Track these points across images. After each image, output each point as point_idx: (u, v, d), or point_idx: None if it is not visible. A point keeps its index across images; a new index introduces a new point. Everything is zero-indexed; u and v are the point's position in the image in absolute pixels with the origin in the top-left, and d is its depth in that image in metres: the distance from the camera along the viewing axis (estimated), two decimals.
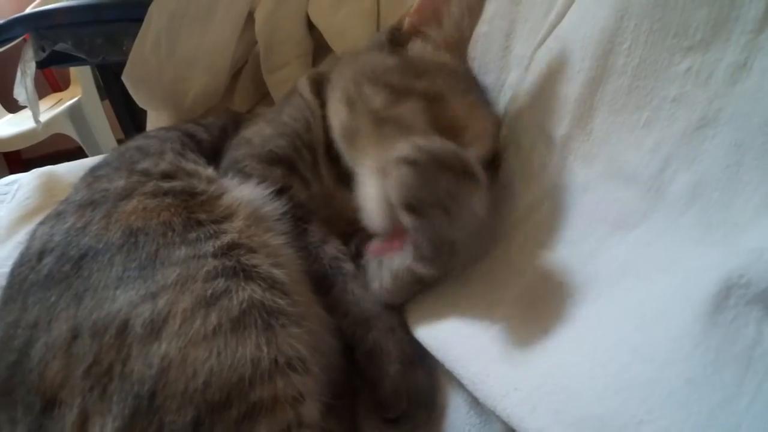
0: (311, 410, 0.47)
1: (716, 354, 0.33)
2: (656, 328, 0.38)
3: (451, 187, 0.46)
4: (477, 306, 0.52)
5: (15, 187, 1.05)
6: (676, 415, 0.33)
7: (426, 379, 0.55)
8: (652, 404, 0.35)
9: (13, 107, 2.77)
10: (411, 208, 0.46)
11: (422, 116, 0.58)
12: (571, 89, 0.54)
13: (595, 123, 0.52)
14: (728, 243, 0.39)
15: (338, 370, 0.56)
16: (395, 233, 0.52)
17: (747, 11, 0.41)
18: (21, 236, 0.81)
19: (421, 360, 0.55)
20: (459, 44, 0.68)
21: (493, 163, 0.62)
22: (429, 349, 0.53)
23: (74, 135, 2.44)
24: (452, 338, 0.51)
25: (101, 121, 2.51)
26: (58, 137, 2.43)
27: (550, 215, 0.55)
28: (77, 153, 1.23)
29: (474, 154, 0.55)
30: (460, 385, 0.51)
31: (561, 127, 0.56)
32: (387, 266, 0.57)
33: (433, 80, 0.62)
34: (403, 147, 0.47)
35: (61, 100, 2.58)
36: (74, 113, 2.44)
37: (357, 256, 0.62)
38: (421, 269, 0.53)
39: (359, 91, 0.62)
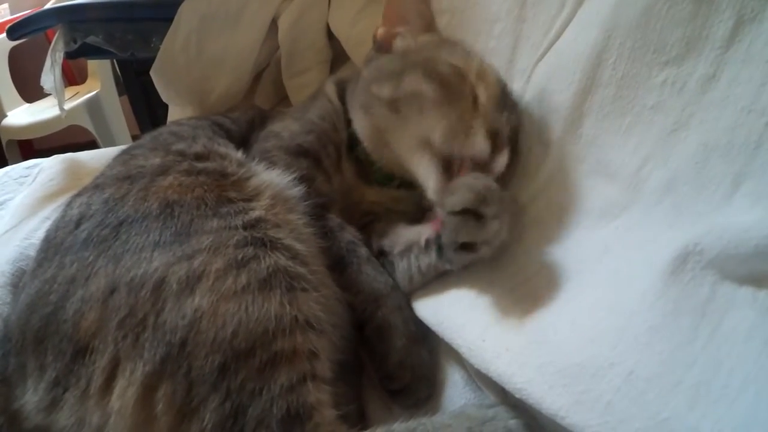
0: (324, 367, 0.51)
1: (675, 305, 0.40)
2: (626, 288, 0.44)
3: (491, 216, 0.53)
4: (476, 284, 0.58)
5: (36, 170, 1.10)
6: (641, 355, 0.39)
7: (428, 356, 0.60)
8: (621, 348, 0.41)
9: (30, 97, 2.83)
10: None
11: (425, 80, 0.65)
12: (564, 98, 0.60)
13: (584, 128, 0.59)
14: (694, 227, 0.45)
15: (349, 341, 0.60)
16: None
17: (716, 30, 0.47)
18: (47, 212, 0.87)
19: (425, 338, 0.60)
20: (429, 27, 0.80)
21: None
22: (430, 324, 0.59)
23: (90, 128, 2.50)
24: (452, 311, 0.57)
25: (118, 115, 2.57)
26: (70, 130, 2.47)
27: (544, 208, 0.62)
28: (88, 147, 1.27)
29: (485, 94, 0.65)
30: (458, 363, 0.57)
31: (555, 131, 0.62)
32: (416, 263, 0.63)
33: (420, 52, 0.71)
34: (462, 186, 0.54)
35: (78, 93, 2.64)
36: (92, 106, 2.50)
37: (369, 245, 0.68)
38: (446, 266, 0.60)
39: (370, 94, 0.71)
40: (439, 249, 0.59)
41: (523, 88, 0.70)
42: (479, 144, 0.60)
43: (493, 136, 0.61)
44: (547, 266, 0.55)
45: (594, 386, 0.41)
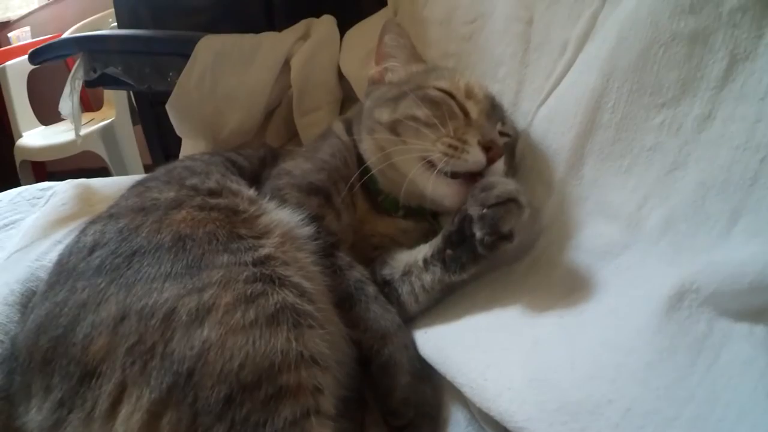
0: (328, 403, 0.51)
1: (671, 342, 0.40)
2: (624, 325, 0.44)
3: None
4: (478, 322, 0.59)
5: (49, 193, 1.11)
6: (639, 391, 0.40)
7: (432, 394, 0.60)
8: (618, 385, 0.41)
9: (46, 119, 2.90)
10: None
11: (417, 105, 0.70)
12: (565, 140, 0.62)
13: (585, 169, 0.60)
14: (692, 264, 0.46)
15: (353, 378, 0.61)
16: None
17: (710, 71, 0.48)
18: (59, 236, 0.88)
19: (430, 376, 0.61)
20: (416, 57, 0.87)
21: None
22: (433, 363, 0.59)
23: (104, 154, 2.53)
24: (454, 350, 0.57)
25: (131, 144, 2.60)
26: (83, 155, 2.51)
27: (547, 248, 0.62)
28: (99, 173, 1.28)
29: (475, 109, 0.70)
30: (460, 402, 0.57)
31: (557, 172, 0.63)
32: (419, 283, 0.66)
33: (411, 80, 0.77)
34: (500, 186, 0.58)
35: (93, 119, 2.70)
36: (106, 134, 2.54)
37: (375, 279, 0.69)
38: (453, 278, 0.63)
39: (372, 119, 0.75)
40: (444, 261, 0.62)
41: (526, 130, 0.72)
42: (474, 156, 0.63)
43: (488, 147, 0.64)
44: (548, 304, 0.55)
45: (592, 423, 0.41)
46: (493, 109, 0.72)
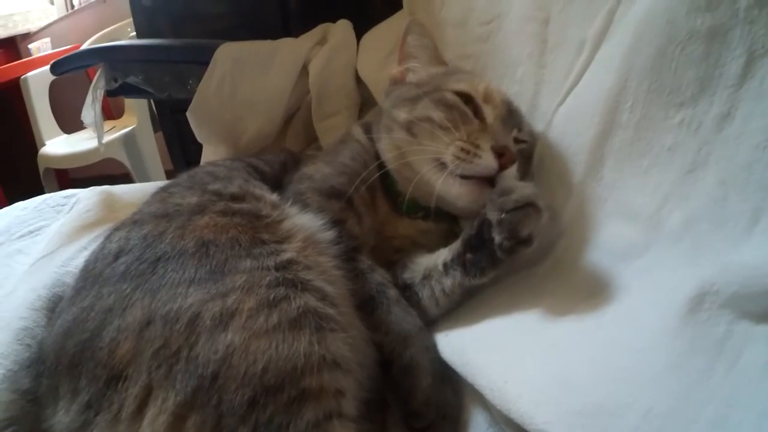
0: (350, 405, 0.52)
1: (691, 344, 0.40)
2: (644, 327, 0.44)
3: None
4: (498, 325, 0.59)
5: (73, 200, 1.13)
6: (657, 394, 0.39)
7: (453, 396, 0.60)
8: (637, 387, 0.41)
9: (68, 128, 2.96)
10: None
11: (434, 107, 0.70)
12: (584, 141, 0.62)
13: (604, 170, 0.59)
14: (712, 266, 0.45)
15: (375, 380, 0.61)
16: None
17: (728, 69, 0.48)
18: (84, 242, 0.90)
19: (450, 378, 0.61)
20: (438, 59, 0.86)
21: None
22: (454, 365, 0.60)
23: (126, 161, 2.58)
24: (475, 353, 0.58)
25: (152, 151, 2.64)
26: (105, 163, 2.57)
27: (567, 249, 0.62)
28: (121, 180, 1.30)
29: (492, 114, 0.70)
30: (481, 404, 0.57)
31: (576, 174, 0.63)
32: (439, 287, 0.66)
33: (430, 82, 0.77)
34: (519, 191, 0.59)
35: (114, 127, 2.74)
36: (128, 141, 2.58)
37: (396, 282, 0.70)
38: (473, 281, 0.63)
39: (391, 117, 0.76)
40: (464, 266, 0.63)
41: (545, 131, 0.72)
42: (486, 161, 0.64)
43: (501, 153, 0.64)
44: (569, 307, 0.55)
45: (612, 425, 0.41)
46: (510, 115, 0.71)
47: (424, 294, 0.67)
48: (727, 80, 0.48)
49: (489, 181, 0.64)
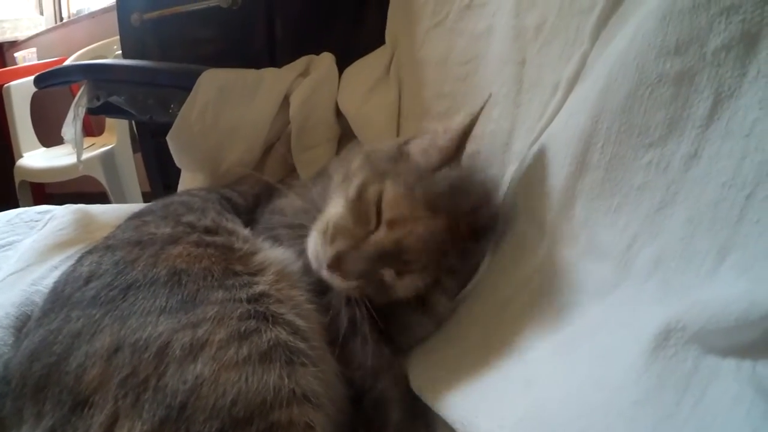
0: None
1: (658, 380, 0.40)
2: (613, 363, 0.45)
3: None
4: (470, 363, 0.59)
5: (48, 216, 1.14)
6: (626, 430, 0.39)
7: (425, 430, 0.60)
8: (606, 424, 0.41)
9: (47, 142, 2.93)
10: None
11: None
12: (556, 181, 0.63)
13: (576, 209, 0.60)
14: (680, 303, 0.46)
15: (345, 415, 0.61)
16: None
17: (696, 110, 0.49)
18: (55, 261, 0.89)
19: (423, 413, 0.60)
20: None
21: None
22: (425, 399, 0.59)
23: (103, 180, 2.56)
24: (446, 388, 0.57)
25: (130, 171, 2.63)
26: (82, 179, 2.54)
27: (540, 289, 0.63)
28: (98, 198, 1.29)
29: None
30: None
31: (549, 213, 0.64)
32: None
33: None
34: None
35: (93, 144, 2.72)
36: (106, 160, 2.57)
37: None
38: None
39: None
40: None
41: (519, 170, 0.73)
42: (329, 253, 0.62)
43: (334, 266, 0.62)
44: (541, 343, 0.56)
45: None
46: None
47: None
48: (694, 121, 0.49)
49: None
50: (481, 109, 0.68)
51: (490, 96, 0.70)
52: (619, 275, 0.53)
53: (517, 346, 0.57)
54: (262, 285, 0.59)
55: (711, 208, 0.46)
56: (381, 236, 0.61)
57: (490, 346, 0.59)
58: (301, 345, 0.55)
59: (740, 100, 0.46)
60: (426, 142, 0.69)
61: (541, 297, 0.61)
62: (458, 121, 0.69)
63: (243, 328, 0.53)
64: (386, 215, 0.61)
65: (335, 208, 0.65)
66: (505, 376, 0.54)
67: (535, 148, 0.70)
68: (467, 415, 0.52)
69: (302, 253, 0.67)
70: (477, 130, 0.81)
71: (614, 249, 0.54)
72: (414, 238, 0.60)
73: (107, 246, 0.65)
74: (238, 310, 0.55)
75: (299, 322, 0.58)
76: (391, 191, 0.62)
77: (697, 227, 0.47)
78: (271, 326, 0.55)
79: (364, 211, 0.63)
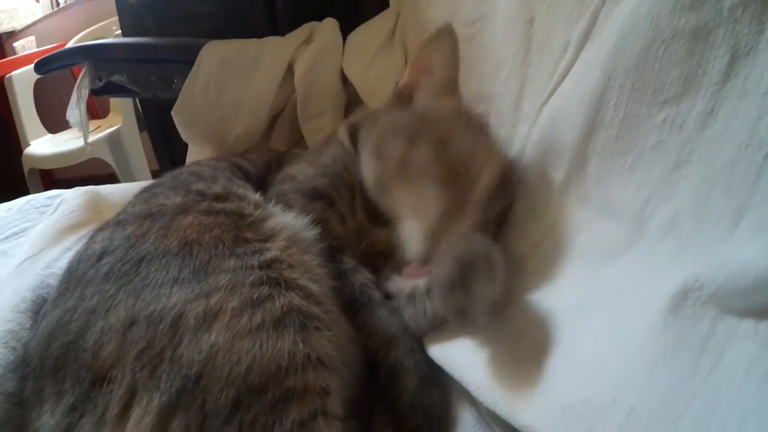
0: (335, 404, 0.52)
1: (675, 342, 0.40)
2: (628, 325, 0.45)
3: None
4: (482, 329, 0.58)
5: (58, 200, 1.14)
6: (642, 391, 0.40)
7: (440, 396, 0.60)
8: (622, 385, 0.41)
9: (53, 128, 2.94)
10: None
11: (434, 157, 0.67)
12: (568, 140, 0.62)
13: (588, 169, 0.60)
14: (696, 263, 0.46)
15: (360, 379, 0.61)
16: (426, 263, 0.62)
17: (712, 67, 0.47)
18: (68, 243, 0.90)
19: (437, 379, 0.61)
20: (452, 86, 0.77)
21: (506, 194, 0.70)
22: (440, 363, 0.60)
23: (111, 161, 2.58)
24: (460, 351, 0.58)
25: (138, 151, 2.64)
26: (91, 163, 2.55)
27: (551, 250, 0.62)
28: (107, 180, 1.30)
29: (486, 179, 0.66)
30: (468, 402, 0.58)
31: (560, 173, 0.63)
32: (420, 311, 0.65)
33: (437, 122, 0.72)
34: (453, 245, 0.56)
35: (99, 126, 2.74)
36: (113, 141, 2.59)
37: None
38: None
39: (383, 143, 0.73)
40: None
41: (529, 131, 0.71)
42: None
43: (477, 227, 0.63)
44: (553, 308, 0.56)
45: (597, 424, 0.41)
46: (502, 183, 0.68)
47: (407, 313, 0.66)
48: (710, 79, 0.48)
49: None
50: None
51: None
52: (633, 236, 0.53)
53: (527, 310, 0.57)
54: (273, 251, 0.59)
55: (727, 168, 0.45)
56: (485, 176, 0.66)
57: (500, 313, 0.58)
58: (315, 309, 0.55)
59: (757, 58, 0.44)
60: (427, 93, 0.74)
61: (553, 258, 0.61)
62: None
63: (256, 295, 0.53)
64: (479, 157, 0.67)
65: (423, 192, 0.66)
66: (517, 339, 0.54)
67: (546, 107, 0.69)
68: (482, 378, 0.52)
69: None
70: (484, 92, 0.80)
71: (628, 209, 0.54)
72: (498, 161, 0.68)
73: (118, 221, 0.65)
74: (251, 277, 0.54)
75: (312, 286, 0.58)
76: (469, 142, 0.68)
77: (713, 188, 0.46)
78: (284, 292, 0.54)
79: (460, 174, 0.66)
